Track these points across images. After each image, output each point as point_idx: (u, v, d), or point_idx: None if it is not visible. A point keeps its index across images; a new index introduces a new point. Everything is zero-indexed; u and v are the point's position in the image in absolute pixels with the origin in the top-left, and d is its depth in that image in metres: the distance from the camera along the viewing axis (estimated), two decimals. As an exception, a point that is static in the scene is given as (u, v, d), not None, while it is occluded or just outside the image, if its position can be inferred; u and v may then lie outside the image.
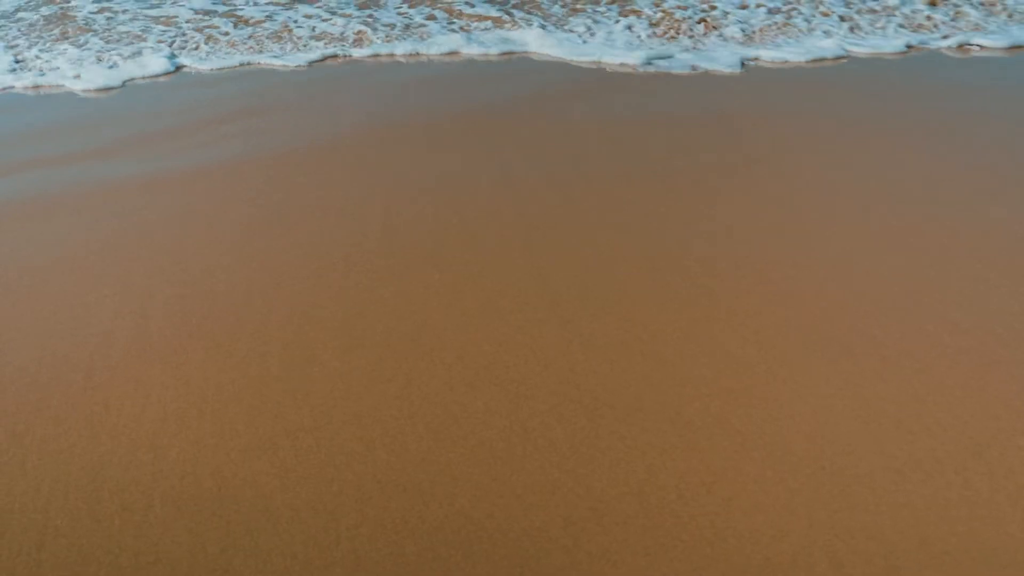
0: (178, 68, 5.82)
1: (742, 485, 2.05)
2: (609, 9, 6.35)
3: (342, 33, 6.19)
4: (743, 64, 5.28)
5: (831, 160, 3.86)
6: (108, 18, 6.91)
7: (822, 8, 6.10)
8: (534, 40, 5.81)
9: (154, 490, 2.12)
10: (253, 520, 2.02)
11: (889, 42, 5.47)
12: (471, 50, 5.72)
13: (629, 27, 5.92)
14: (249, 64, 5.87)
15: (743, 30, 5.78)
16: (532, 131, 4.39)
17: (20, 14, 7.27)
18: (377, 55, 5.79)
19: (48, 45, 6.39)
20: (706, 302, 2.78)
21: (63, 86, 5.66)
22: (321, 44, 6.05)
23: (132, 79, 5.68)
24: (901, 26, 5.74)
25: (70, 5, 7.28)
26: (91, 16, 6.98)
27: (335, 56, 5.86)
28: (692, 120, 4.52)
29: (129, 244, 3.36)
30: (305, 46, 6.00)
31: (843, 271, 2.92)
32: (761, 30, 5.78)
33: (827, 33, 5.68)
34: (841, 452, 2.12)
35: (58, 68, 5.90)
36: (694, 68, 5.20)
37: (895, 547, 1.86)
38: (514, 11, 6.44)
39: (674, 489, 2.05)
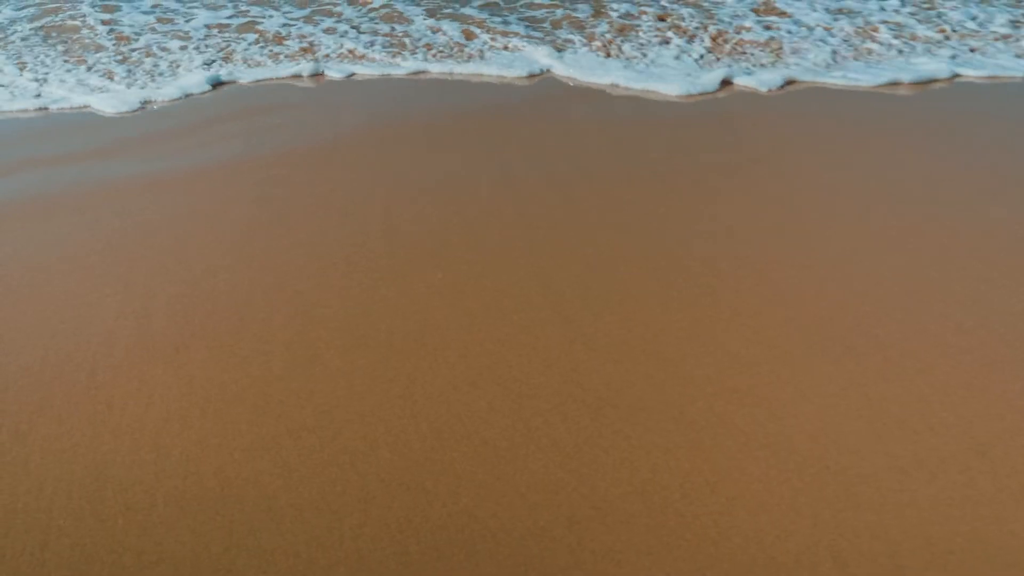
0: (215, 85, 5.55)
1: (746, 484, 2.05)
2: (655, 29, 6.15)
3: (369, 49, 6.08)
4: (783, 83, 5.06)
5: (831, 160, 3.86)
6: (112, 31, 6.76)
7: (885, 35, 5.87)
8: (560, 63, 5.59)
9: (157, 489, 2.12)
10: (256, 519, 2.02)
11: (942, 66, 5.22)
12: (494, 71, 5.53)
13: (684, 52, 5.66)
14: (279, 78, 5.70)
15: (806, 52, 5.59)
16: (532, 131, 4.40)
17: (16, 26, 7.12)
18: (417, 73, 5.65)
19: (61, 63, 6.15)
20: (708, 302, 2.78)
21: (88, 106, 5.29)
22: (346, 62, 5.92)
23: (152, 100, 5.38)
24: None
25: (73, 14, 7.19)
26: (99, 28, 6.85)
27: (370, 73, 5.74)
28: (693, 121, 4.53)
29: (131, 244, 3.35)
30: (336, 67, 5.85)
31: (845, 271, 2.93)
32: (836, 55, 5.54)
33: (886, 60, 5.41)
34: (845, 451, 2.13)
35: (67, 97, 5.51)
36: (726, 83, 5.08)
37: (899, 546, 1.87)
38: (554, 31, 6.25)
39: (678, 488, 2.05)
